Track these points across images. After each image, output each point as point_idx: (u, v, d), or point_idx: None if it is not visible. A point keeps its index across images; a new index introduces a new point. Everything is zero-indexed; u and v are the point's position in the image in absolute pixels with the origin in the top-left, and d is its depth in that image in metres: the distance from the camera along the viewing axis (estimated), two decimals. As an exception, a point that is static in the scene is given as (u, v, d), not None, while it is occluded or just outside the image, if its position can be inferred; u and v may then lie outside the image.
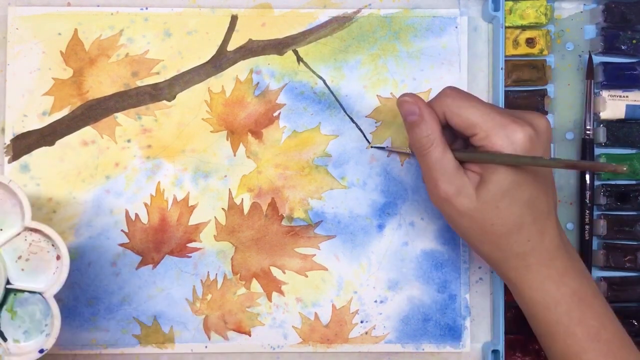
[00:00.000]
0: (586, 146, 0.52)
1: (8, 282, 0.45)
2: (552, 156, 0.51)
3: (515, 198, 0.43)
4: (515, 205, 0.43)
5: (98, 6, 0.52)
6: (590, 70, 0.52)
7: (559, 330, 0.44)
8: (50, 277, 0.46)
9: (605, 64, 0.52)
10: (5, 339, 0.45)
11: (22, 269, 0.46)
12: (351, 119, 0.53)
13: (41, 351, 0.45)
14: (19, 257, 0.46)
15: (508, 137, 0.42)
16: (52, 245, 0.45)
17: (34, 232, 0.46)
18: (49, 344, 0.45)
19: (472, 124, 0.43)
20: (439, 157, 0.43)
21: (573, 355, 0.44)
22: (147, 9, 0.52)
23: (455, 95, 0.44)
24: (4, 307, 0.46)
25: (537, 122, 0.43)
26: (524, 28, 0.52)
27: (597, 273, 0.53)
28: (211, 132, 0.52)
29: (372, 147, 0.52)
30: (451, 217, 0.44)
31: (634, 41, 0.52)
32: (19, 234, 0.45)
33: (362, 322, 0.52)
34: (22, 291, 0.46)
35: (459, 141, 0.46)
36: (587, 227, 0.52)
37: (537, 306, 0.44)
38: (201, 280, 0.52)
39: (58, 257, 0.46)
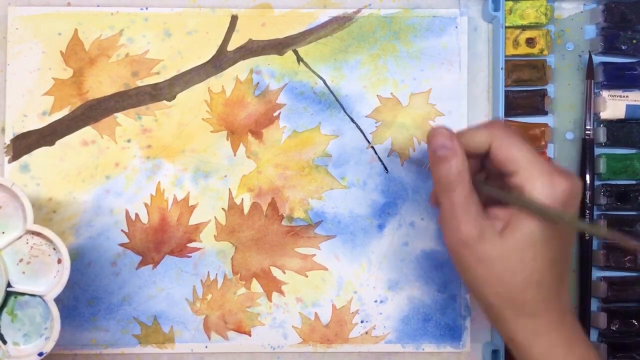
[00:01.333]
0: (586, 146, 0.52)
1: (9, 285, 0.45)
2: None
3: (541, 252, 0.41)
4: (539, 260, 0.41)
5: (98, 6, 0.52)
6: (590, 70, 0.52)
7: None
8: (51, 280, 0.46)
9: (605, 64, 0.52)
10: (5, 342, 0.45)
11: (23, 272, 0.46)
12: (351, 119, 0.53)
13: (40, 354, 0.45)
14: (20, 260, 0.46)
15: (552, 186, 0.40)
16: (54, 248, 0.46)
17: (35, 235, 0.46)
18: (48, 347, 0.45)
19: (517, 161, 0.40)
20: (465, 197, 0.41)
21: None
22: (147, 9, 0.52)
23: (507, 129, 0.42)
24: (5, 310, 0.46)
25: (576, 180, 0.41)
26: (524, 28, 0.52)
27: (597, 273, 0.53)
28: (211, 132, 0.52)
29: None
30: (466, 263, 0.42)
31: (634, 41, 0.52)
32: (20, 237, 0.45)
33: (362, 322, 0.52)
34: (23, 294, 0.46)
35: (482, 174, 0.44)
36: (587, 227, 0.52)
37: None
38: (201, 280, 0.52)
39: (59, 261, 0.46)
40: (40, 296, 0.45)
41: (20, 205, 0.45)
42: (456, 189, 0.41)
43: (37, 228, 0.45)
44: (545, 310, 0.42)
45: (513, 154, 0.41)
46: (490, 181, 0.43)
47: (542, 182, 0.40)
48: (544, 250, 0.41)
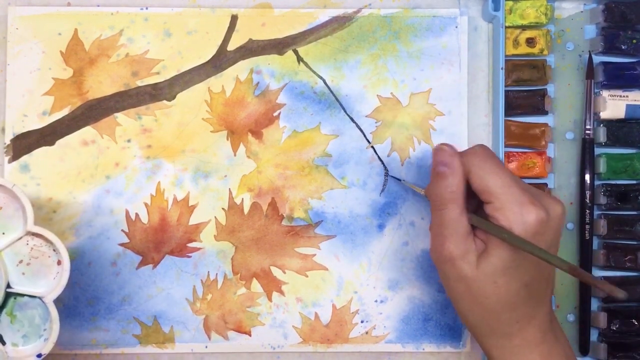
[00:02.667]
0: (586, 146, 0.52)
1: (8, 286, 0.45)
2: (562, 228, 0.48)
3: (514, 277, 0.42)
4: (513, 285, 0.42)
5: (98, 6, 0.52)
6: (590, 70, 0.52)
7: None
8: (51, 282, 0.46)
9: (605, 63, 0.52)
10: (4, 343, 0.45)
11: (23, 273, 0.46)
12: (351, 118, 0.53)
13: (39, 356, 0.45)
14: (20, 261, 0.46)
15: (522, 215, 0.41)
16: (54, 250, 0.46)
17: (35, 237, 0.46)
18: (47, 348, 0.45)
19: (490, 191, 0.42)
20: (454, 217, 0.43)
21: None
22: (147, 8, 0.52)
23: (484, 157, 0.43)
24: (4, 311, 0.46)
25: (553, 207, 0.43)
26: (524, 28, 0.52)
27: (597, 273, 0.53)
28: (211, 132, 0.52)
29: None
30: (448, 279, 0.43)
31: (634, 41, 0.52)
32: (20, 238, 0.45)
33: (362, 322, 0.52)
34: (22, 295, 0.46)
35: (474, 201, 0.45)
36: (587, 227, 0.52)
37: None
38: (201, 280, 0.52)
39: (59, 262, 0.46)
40: (39, 297, 0.45)
41: (21, 207, 0.45)
42: (447, 207, 0.43)
43: (38, 229, 0.45)
44: (520, 330, 0.43)
45: (486, 184, 0.42)
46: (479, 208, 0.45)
47: (512, 212, 0.41)
48: (518, 275, 0.42)
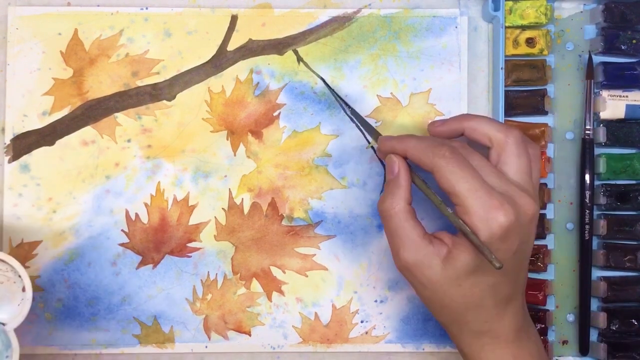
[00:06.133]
0: (586, 146, 0.52)
1: None
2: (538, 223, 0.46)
3: (479, 280, 0.42)
4: (477, 288, 0.42)
5: (98, 6, 0.52)
6: (590, 70, 0.52)
7: None
8: (15, 308, 0.45)
9: (605, 63, 0.52)
10: None
11: None
12: (351, 118, 0.53)
13: None
14: None
15: (488, 221, 0.40)
16: (19, 276, 0.45)
17: (1, 261, 0.45)
18: None
19: (456, 194, 0.41)
20: (400, 223, 0.42)
21: None
22: (147, 8, 0.52)
23: (451, 158, 0.41)
24: None
25: (524, 209, 0.41)
26: (524, 28, 0.52)
27: (597, 273, 0.53)
28: (211, 132, 0.52)
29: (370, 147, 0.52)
30: (413, 285, 0.44)
31: (634, 41, 0.52)
32: None
33: (362, 322, 0.52)
34: None
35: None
36: (587, 227, 0.52)
37: None
38: (201, 280, 0.52)
39: (24, 289, 0.45)
40: (2, 324, 0.45)
41: None
42: (392, 214, 0.43)
43: (2, 256, 0.44)
44: (489, 330, 0.43)
45: (452, 186, 0.41)
46: None
47: (478, 217, 0.40)
48: (483, 278, 0.42)
